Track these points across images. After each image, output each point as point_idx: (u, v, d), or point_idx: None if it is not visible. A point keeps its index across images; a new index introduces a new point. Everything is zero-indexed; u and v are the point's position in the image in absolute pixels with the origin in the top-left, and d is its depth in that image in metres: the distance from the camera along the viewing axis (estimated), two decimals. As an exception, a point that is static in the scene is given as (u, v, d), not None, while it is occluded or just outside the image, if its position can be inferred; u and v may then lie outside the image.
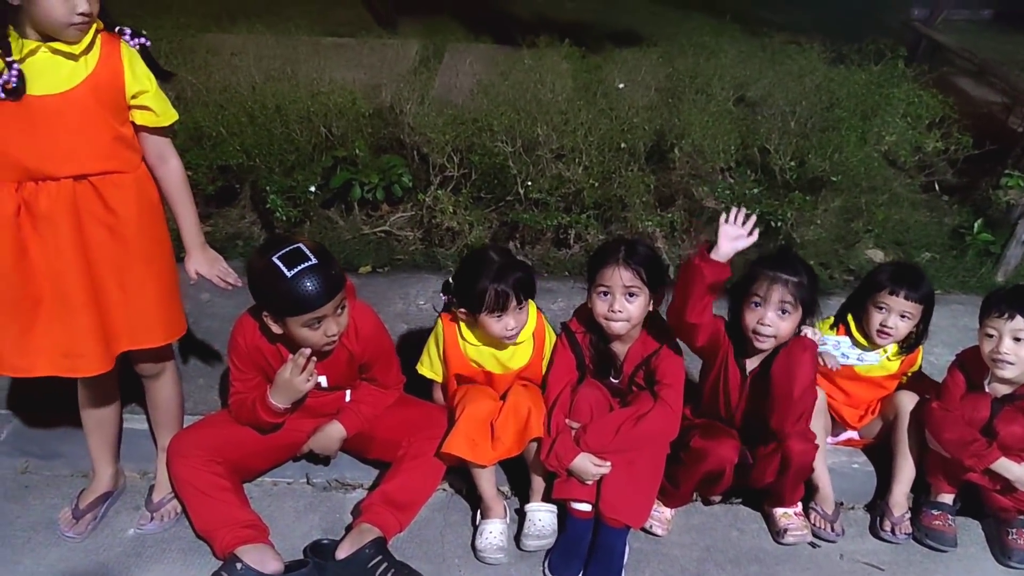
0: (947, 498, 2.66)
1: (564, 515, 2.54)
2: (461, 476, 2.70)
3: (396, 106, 4.24)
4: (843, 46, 4.79)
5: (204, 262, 2.49)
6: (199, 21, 5.34)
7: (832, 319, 2.85)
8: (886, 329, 2.68)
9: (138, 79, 2.22)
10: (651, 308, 2.52)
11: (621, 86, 4.29)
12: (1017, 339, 2.49)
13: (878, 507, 2.73)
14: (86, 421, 2.62)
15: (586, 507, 2.48)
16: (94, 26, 2.15)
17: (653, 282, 2.47)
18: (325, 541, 2.53)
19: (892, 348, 2.77)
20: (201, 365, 3.24)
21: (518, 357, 2.66)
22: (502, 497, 2.68)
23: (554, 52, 4.73)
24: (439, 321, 2.68)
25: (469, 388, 2.67)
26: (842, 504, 2.77)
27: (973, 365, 2.63)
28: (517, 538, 2.59)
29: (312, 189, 3.93)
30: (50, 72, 2.10)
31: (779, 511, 2.66)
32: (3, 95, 2.04)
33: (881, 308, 2.69)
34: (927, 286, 2.71)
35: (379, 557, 2.42)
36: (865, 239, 4.09)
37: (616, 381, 2.65)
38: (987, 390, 2.58)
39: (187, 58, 4.39)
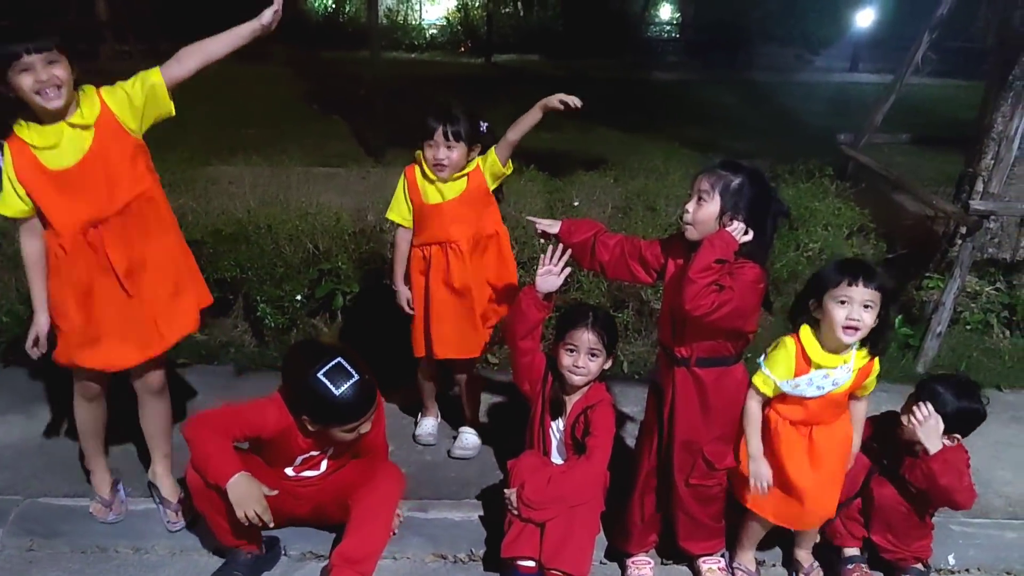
0: (854, 551, 2.98)
1: (511, 572, 2.83)
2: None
3: (378, 224, 4.75)
4: (780, 166, 5.39)
5: None
6: (201, 156, 5.95)
7: (776, 344, 2.77)
8: (852, 323, 2.58)
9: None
10: (605, 368, 2.94)
11: (576, 203, 4.81)
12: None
13: (793, 563, 3.04)
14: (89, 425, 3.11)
15: (531, 563, 2.79)
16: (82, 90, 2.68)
17: (611, 346, 2.92)
18: None
19: (860, 352, 2.68)
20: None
21: (452, 190, 3.29)
22: (436, 404, 3.76)
23: (521, 176, 5.32)
24: (404, 171, 3.38)
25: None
26: (763, 563, 3.07)
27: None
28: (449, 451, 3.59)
29: (299, 298, 4.37)
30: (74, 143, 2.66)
31: (704, 566, 2.97)
32: None
33: (843, 302, 2.58)
34: (880, 273, 2.68)
35: None
36: (799, 336, 4.50)
37: (562, 425, 2.99)
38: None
39: (189, 187, 4.93)
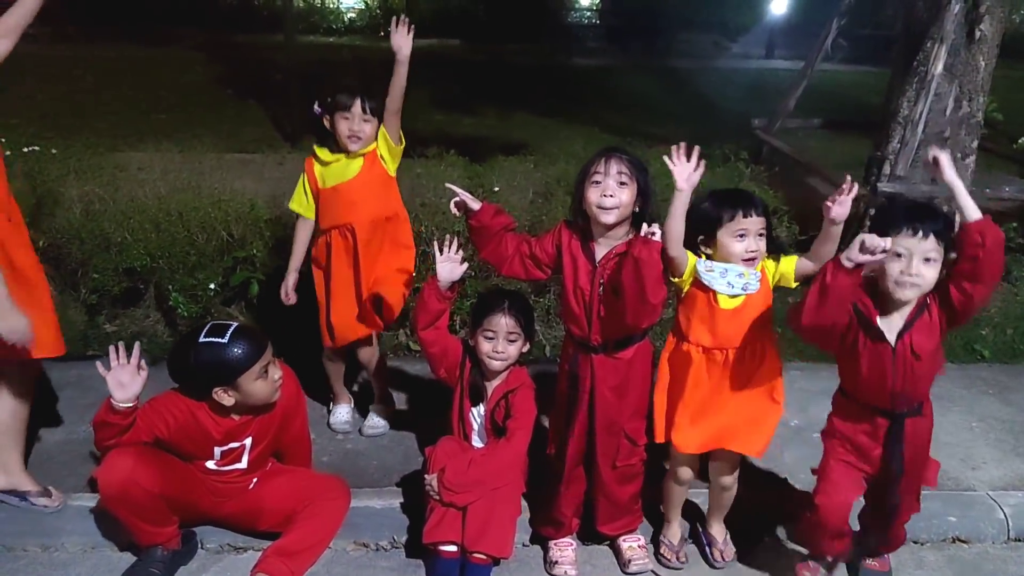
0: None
1: (433, 557, 2.83)
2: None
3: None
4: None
5: None
6: (109, 142, 5.73)
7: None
8: (751, 254, 2.62)
9: None
10: (523, 351, 2.95)
11: (496, 189, 4.79)
12: (927, 260, 2.42)
13: (706, 536, 3.06)
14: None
15: (453, 548, 2.79)
16: None
17: (528, 330, 2.93)
18: None
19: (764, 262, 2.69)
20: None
21: (348, 171, 3.34)
22: (347, 391, 3.80)
23: (442, 161, 5.28)
24: (304, 163, 3.45)
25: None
26: (687, 538, 3.13)
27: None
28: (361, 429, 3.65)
29: (212, 287, 4.25)
30: None
31: (624, 544, 3.01)
32: None
33: (741, 235, 2.61)
34: (759, 199, 2.71)
35: None
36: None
37: (482, 411, 2.99)
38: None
39: (95, 174, 4.74)
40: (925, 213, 2.47)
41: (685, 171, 2.53)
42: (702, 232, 2.67)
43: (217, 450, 2.83)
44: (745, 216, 2.60)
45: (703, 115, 8.26)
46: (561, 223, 2.86)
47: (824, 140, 6.84)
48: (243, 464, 2.89)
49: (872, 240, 2.27)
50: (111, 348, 2.66)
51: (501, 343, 2.88)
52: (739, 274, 2.64)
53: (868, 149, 5.47)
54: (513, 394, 2.90)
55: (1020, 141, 7.14)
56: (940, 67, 4.57)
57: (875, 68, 10.15)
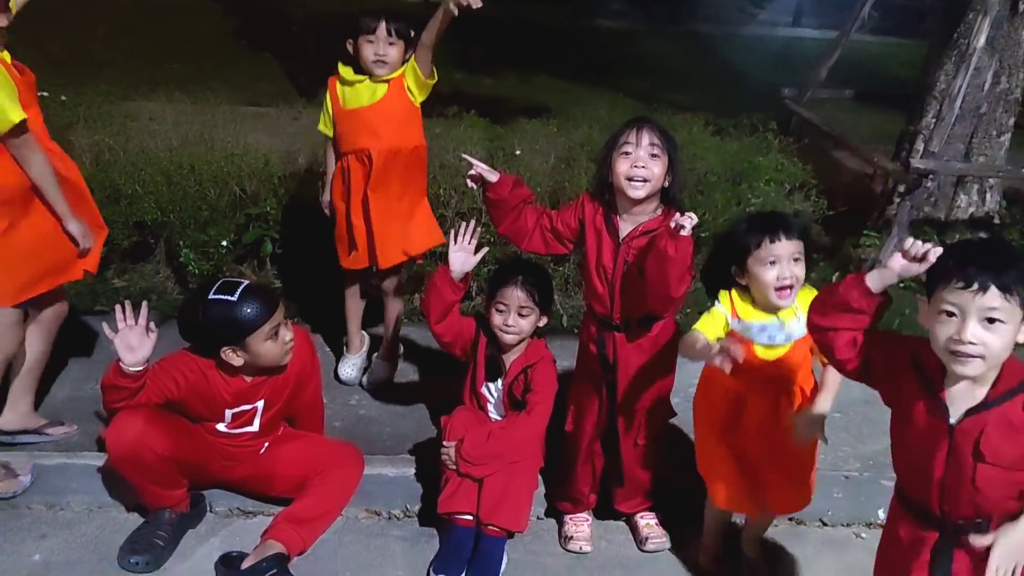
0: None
1: (448, 526, 2.78)
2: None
3: (310, 168, 4.53)
4: (724, 120, 5.32)
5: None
6: (121, 91, 5.60)
7: (704, 317, 2.48)
8: (786, 282, 2.36)
9: None
10: (540, 325, 2.84)
11: (518, 152, 4.65)
12: (991, 321, 1.71)
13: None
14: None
15: (468, 518, 2.72)
16: None
17: (543, 303, 2.81)
18: (235, 554, 2.71)
19: (804, 294, 2.41)
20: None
21: (371, 95, 3.24)
22: (361, 334, 3.70)
23: (462, 122, 5.13)
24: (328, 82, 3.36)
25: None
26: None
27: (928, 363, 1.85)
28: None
29: (224, 244, 4.15)
30: None
31: (642, 522, 2.93)
32: None
33: (772, 262, 2.36)
34: (795, 220, 2.51)
35: (275, 570, 2.60)
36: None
37: (499, 385, 2.90)
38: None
39: (105, 123, 4.62)
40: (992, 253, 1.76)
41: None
42: (734, 262, 2.44)
43: (228, 412, 2.76)
44: (773, 241, 2.35)
45: (730, 83, 8.01)
46: (584, 195, 2.73)
47: (854, 112, 6.63)
48: (255, 427, 2.82)
49: (916, 246, 1.80)
50: (117, 307, 2.57)
51: (512, 316, 2.78)
52: (779, 327, 2.41)
53: (899, 123, 5.31)
54: (533, 368, 2.81)
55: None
56: (983, 40, 4.39)
57: (905, 40, 9.89)
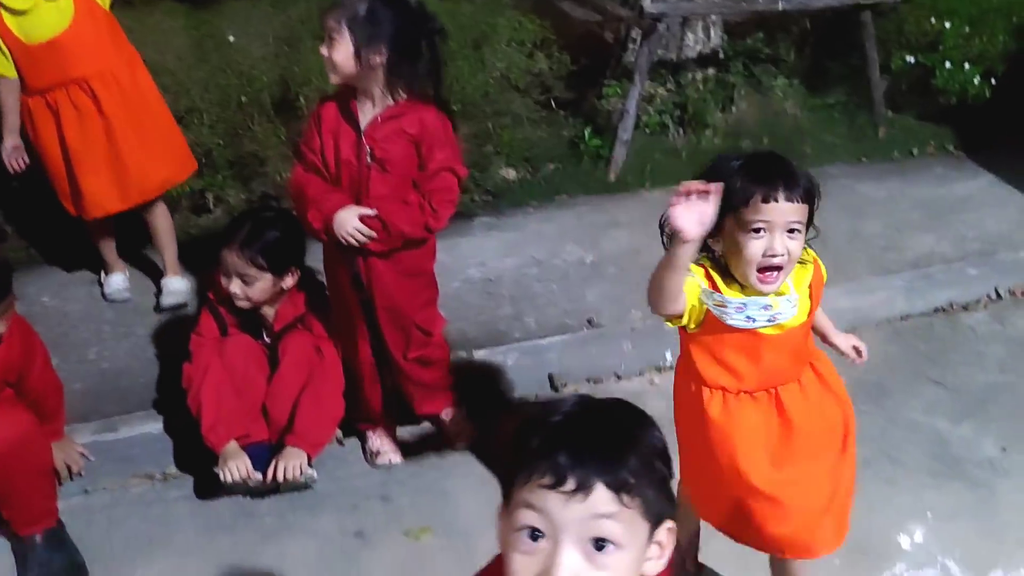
0: None
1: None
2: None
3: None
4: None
5: None
6: None
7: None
8: (774, 260, 1.71)
9: None
10: (285, 287, 2.57)
11: (231, 39, 4.13)
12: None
13: None
14: None
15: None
16: None
17: (276, 264, 2.51)
18: None
19: (802, 267, 1.82)
20: None
21: (58, 18, 2.84)
22: (120, 260, 3.39)
23: (155, 11, 4.42)
24: None
25: None
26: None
27: None
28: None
29: None
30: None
31: (448, 420, 2.79)
32: None
33: (758, 230, 1.70)
34: (802, 172, 1.76)
35: None
36: (496, 160, 4.33)
37: (268, 340, 2.67)
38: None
39: None
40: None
41: (694, 214, 1.51)
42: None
43: None
44: (767, 200, 1.68)
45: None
46: (317, 102, 2.48)
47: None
48: None
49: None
50: None
51: (236, 283, 2.49)
52: (763, 306, 1.77)
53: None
54: (308, 316, 2.64)
55: None
56: None
57: None
